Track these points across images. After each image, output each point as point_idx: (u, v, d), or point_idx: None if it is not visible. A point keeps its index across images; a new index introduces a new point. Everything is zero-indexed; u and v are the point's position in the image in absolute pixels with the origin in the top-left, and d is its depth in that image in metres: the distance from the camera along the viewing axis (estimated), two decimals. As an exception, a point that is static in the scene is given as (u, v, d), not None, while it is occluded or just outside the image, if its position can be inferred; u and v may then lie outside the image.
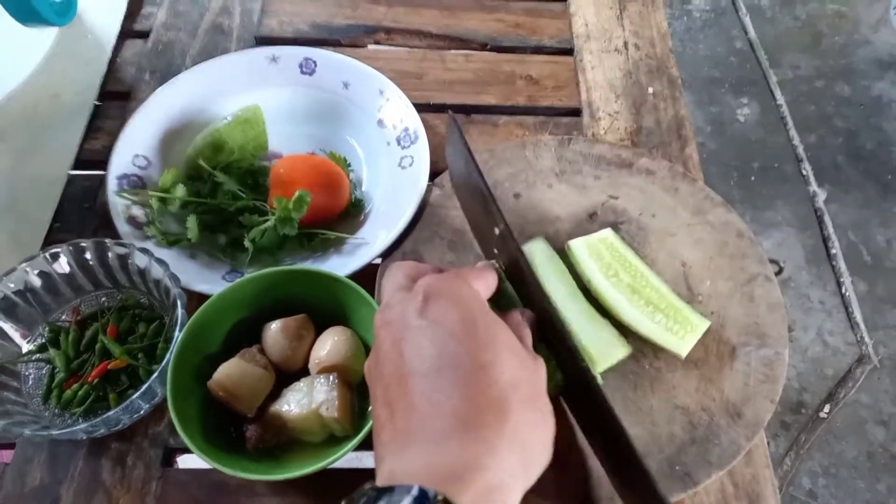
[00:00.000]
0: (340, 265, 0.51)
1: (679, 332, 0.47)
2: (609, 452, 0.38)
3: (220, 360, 0.44)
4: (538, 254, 0.51)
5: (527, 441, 0.31)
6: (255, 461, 0.42)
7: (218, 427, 0.43)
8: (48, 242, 0.55)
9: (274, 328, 0.46)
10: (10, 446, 0.47)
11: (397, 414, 0.31)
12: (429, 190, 0.55)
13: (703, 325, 0.48)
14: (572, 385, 0.38)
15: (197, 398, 0.43)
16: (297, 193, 0.51)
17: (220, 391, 0.43)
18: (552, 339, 0.38)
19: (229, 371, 0.43)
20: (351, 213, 0.56)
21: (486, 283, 0.37)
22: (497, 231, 0.40)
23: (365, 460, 0.59)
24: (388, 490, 0.27)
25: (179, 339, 0.43)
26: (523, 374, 0.32)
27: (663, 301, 0.48)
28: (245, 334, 0.47)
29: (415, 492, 0.27)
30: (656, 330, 0.47)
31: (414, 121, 0.58)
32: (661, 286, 0.49)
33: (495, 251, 0.42)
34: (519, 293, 0.40)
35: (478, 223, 0.46)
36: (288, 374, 0.45)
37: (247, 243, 0.52)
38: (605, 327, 0.47)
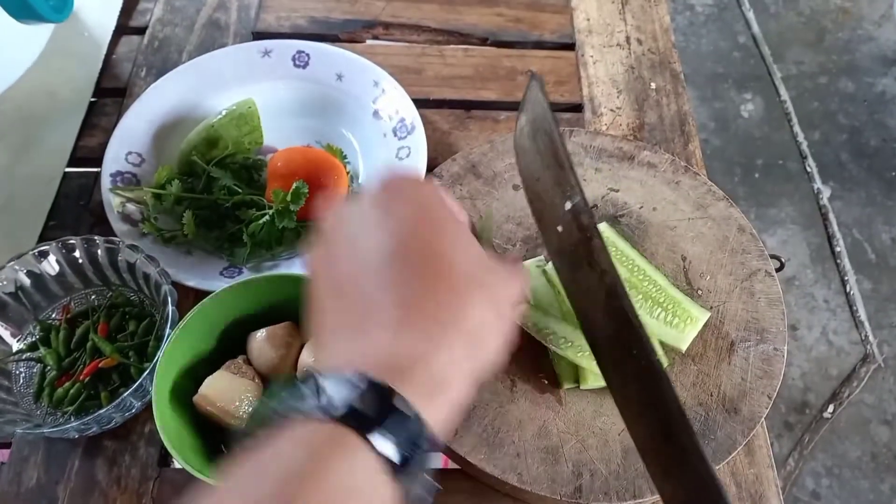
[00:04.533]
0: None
1: (679, 325, 0.47)
2: (660, 440, 0.35)
3: (209, 367, 0.43)
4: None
5: (478, 338, 0.29)
6: None
7: (206, 435, 0.43)
8: (43, 240, 0.54)
9: (259, 337, 0.45)
10: (7, 446, 0.46)
11: (347, 302, 0.29)
12: (427, 180, 0.55)
13: (703, 316, 0.47)
14: (636, 375, 0.35)
15: (186, 407, 0.42)
16: (294, 185, 0.50)
17: (206, 406, 0.42)
18: (620, 329, 0.35)
19: (215, 384, 0.42)
20: (349, 207, 0.56)
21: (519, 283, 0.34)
22: (569, 205, 0.37)
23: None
24: (322, 376, 0.25)
25: (165, 350, 0.42)
26: (484, 272, 0.31)
27: (662, 294, 0.48)
28: (235, 340, 0.46)
29: (354, 379, 0.25)
30: (655, 325, 0.47)
31: (410, 111, 0.57)
32: (659, 279, 0.48)
33: (559, 228, 0.38)
34: (584, 278, 0.37)
35: (542, 195, 0.41)
36: (276, 383, 0.45)
37: (245, 237, 0.51)
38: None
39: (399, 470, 0.24)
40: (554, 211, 0.38)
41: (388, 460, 0.24)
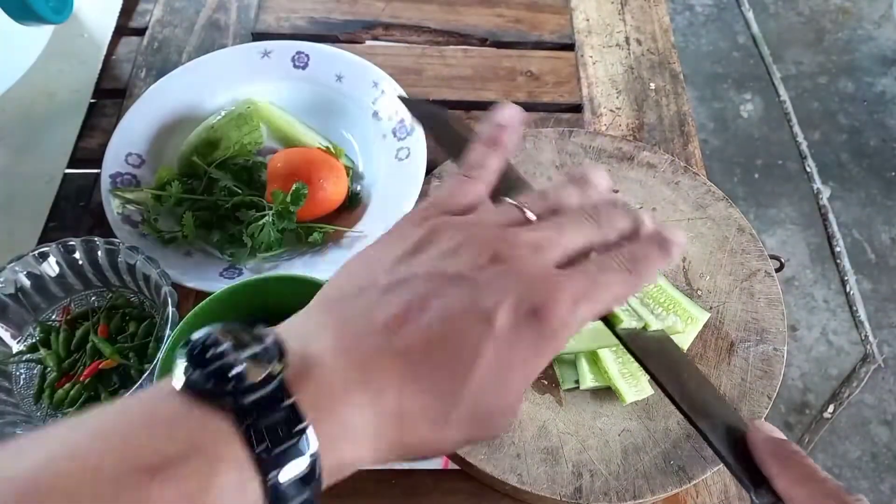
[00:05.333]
0: (340, 258, 0.51)
1: (678, 325, 0.47)
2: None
3: None
4: None
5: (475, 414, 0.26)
6: None
7: None
8: (43, 241, 0.54)
9: None
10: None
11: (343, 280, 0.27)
12: (427, 181, 0.55)
13: (703, 317, 0.47)
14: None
15: None
16: (294, 186, 0.50)
17: None
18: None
19: None
20: (349, 207, 0.56)
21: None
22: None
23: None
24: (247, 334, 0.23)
25: (165, 351, 0.41)
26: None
27: (662, 294, 0.48)
28: None
29: (269, 342, 0.23)
30: (656, 324, 0.46)
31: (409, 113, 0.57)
32: (659, 279, 0.48)
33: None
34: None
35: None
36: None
37: (245, 238, 0.51)
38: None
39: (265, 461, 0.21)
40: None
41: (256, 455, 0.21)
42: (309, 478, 0.22)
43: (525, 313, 0.26)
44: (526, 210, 0.30)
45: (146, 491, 0.19)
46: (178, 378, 0.22)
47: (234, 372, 0.22)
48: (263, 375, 0.22)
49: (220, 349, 0.23)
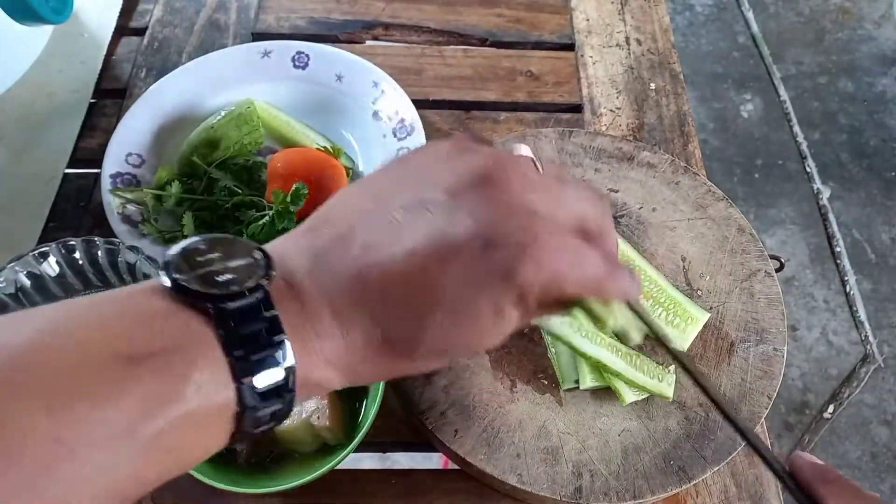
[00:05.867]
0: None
1: (680, 325, 0.47)
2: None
3: None
4: None
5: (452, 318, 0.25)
6: (246, 473, 0.41)
7: None
8: (43, 241, 0.54)
9: None
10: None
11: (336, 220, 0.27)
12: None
13: (703, 317, 0.47)
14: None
15: None
16: (294, 186, 0.50)
17: None
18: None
19: None
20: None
21: None
22: None
23: (363, 461, 0.58)
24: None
25: None
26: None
27: (662, 294, 0.48)
28: None
29: (258, 255, 0.24)
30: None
31: (409, 112, 0.57)
32: (659, 279, 0.48)
33: None
34: None
35: None
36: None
37: (246, 238, 0.51)
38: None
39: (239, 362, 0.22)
40: None
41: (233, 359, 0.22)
42: (282, 389, 0.23)
43: (495, 256, 0.24)
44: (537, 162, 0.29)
45: (123, 378, 0.20)
46: (165, 278, 0.23)
47: (221, 278, 0.23)
48: (250, 286, 0.23)
49: (210, 256, 0.24)
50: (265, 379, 0.23)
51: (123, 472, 0.21)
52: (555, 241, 0.25)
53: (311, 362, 0.24)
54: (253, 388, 0.22)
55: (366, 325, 0.25)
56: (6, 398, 0.19)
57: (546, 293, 0.26)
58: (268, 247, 0.26)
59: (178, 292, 0.23)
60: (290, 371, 0.23)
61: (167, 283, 0.23)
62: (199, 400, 0.21)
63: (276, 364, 0.23)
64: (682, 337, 0.47)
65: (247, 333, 0.22)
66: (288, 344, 0.23)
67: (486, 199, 0.25)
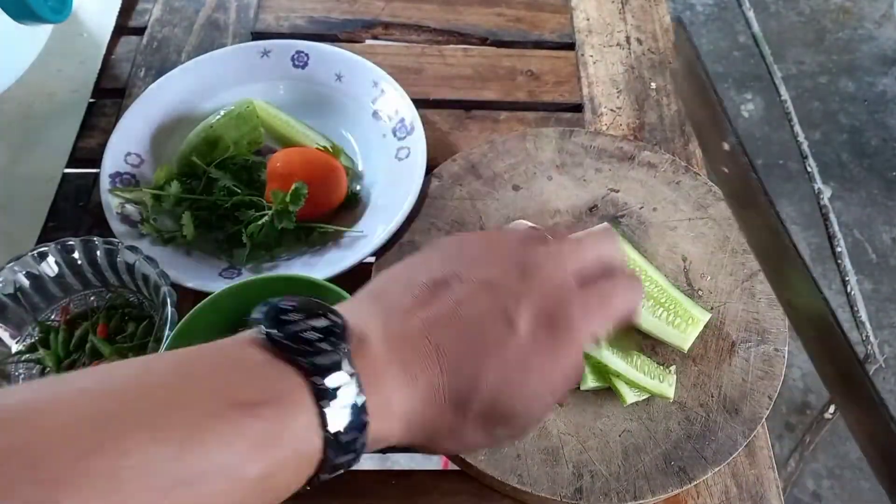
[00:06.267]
0: (339, 259, 0.51)
1: (681, 325, 0.46)
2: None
3: None
4: None
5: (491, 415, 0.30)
6: None
7: None
8: (42, 241, 0.54)
9: None
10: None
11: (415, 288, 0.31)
12: (427, 181, 0.55)
13: (704, 317, 0.47)
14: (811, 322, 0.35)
15: None
16: (293, 186, 0.50)
17: None
18: (782, 271, 0.35)
19: None
20: (348, 207, 0.56)
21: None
22: (726, 146, 0.38)
23: (363, 461, 0.58)
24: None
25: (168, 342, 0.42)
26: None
27: (664, 294, 0.47)
28: None
29: (336, 318, 0.27)
30: (658, 325, 0.46)
31: (409, 112, 0.57)
32: (659, 279, 0.48)
33: (724, 169, 0.39)
34: (749, 217, 0.37)
35: (704, 137, 0.42)
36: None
37: (244, 238, 0.51)
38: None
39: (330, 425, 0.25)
40: (717, 152, 0.38)
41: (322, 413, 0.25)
42: (358, 441, 0.26)
43: (544, 320, 0.30)
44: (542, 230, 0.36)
45: (237, 424, 0.23)
46: (259, 332, 0.26)
47: (308, 336, 0.26)
48: (334, 346, 0.26)
49: (294, 316, 0.27)
50: (348, 432, 0.25)
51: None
52: (585, 297, 0.32)
53: (380, 416, 0.27)
54: (337, 439, 0.25)
55: (430, 377, 0.28)
56: (141, 442, 0.21)
57: (587, 337, 0.32)
58: (339, 309, 0.29)
59: (275, 346, 0.25)
60: (366, 425, 0.26)
61: (261, 337, 0.26)
62: (296, 445, 0.24)
63: (358, 418, 0.26)
64: (683, 337, 0.46)
65: (333, 388, 0.25)
66: (366, 400, 0.26)
67: (527, 285, 0.31)
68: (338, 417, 0.25)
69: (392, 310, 0.30)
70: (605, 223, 0.51)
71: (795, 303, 0.33)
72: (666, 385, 0.44)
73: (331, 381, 0.25)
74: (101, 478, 0.20)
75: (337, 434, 0.25)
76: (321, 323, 0.27)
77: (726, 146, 0.36)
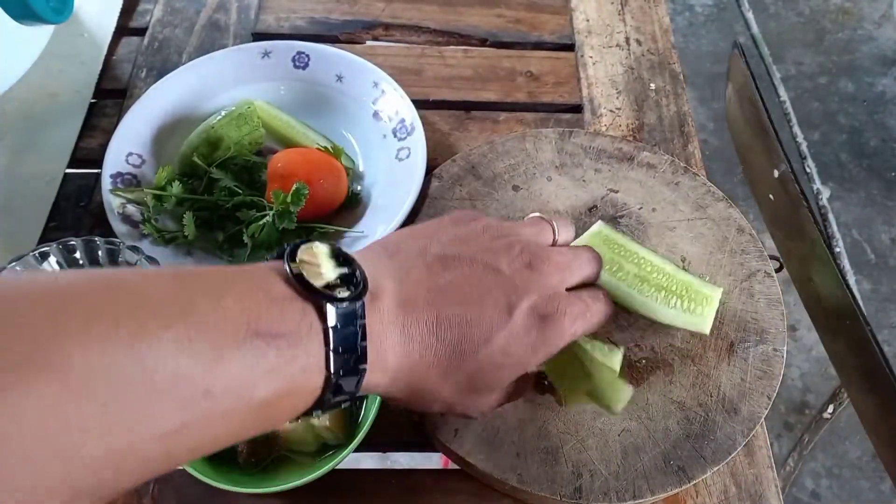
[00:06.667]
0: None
1: (696, 309, 0.46)
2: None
3: None
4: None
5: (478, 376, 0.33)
6: (247, 473, 0.42)
7: None
8: (44, 241, 0.54)
9: None
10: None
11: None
12: (427, 181, 0.55)
13: (716, 293, 0.47)
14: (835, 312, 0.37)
15: None
16: (294, 186, 0.50)
17: None
18: (835, 294, 0.37)
19: None
20: (349, 207, 0.56)
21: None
22: (776, 174, 0.40)
23: (363, 461, 0.58)
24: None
25: None
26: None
27: (673, 282, 0.47)
28: None
29: (356, 269, 0.30)
30: (676, 316, 0.46)
31: (409, 112, 0.57)
32: (665, 265, 0.48)
33: (771, 196, 0.40)
34: (796, 247, 0.38)
35: (752, 163, 0.44)
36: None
37: (245, 239, 0.51)
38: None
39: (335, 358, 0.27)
40: (764, 178, 0.40)
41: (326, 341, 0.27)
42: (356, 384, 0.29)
43: (537, 317, 0.33)
44: (554, 225, 0.40)
45: (259, 351, 0.25)
46: (287, 267, 0.28)
47: (331, 281, 0.28)
48: (353, 293, 0.28)
49: (319, 260, 0.29)
50: (346, 376, 0.28)
51: (237, 422, 0.26)
52: (575, 303, 0.36)
53: (375, 368, 0.29)
54: (336, 381, 0.27)
55: (424, 341, 0.31)
56: (172, 352, 0.23)
57: (567, 339, 0.36)
58: (358, 258, 0.31)
59: (300, 284, 0.27)
60: (363, 371, 0.28)
61: (288, 271, 0.27)
62: (302, 380, 0.27)
63: (358, 364, 0.28)
64: (703, 320, 0.46)
65: (344, 334, 0.27)
66: (368, 349, 0.28)
67: (531, 280, 0.34)
68: (340, 362, 0.27)
69: (405, 274, 0.32)
70: (599, 221, 0.51)
71: (821, 293, 0.35)
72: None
73: (345, 328, 0.27)
74: (133, 375, 0.22)
75: (337, 376, 0.27)
76: (343, 270, 0.29)
77: (776, 173, 0.37)
